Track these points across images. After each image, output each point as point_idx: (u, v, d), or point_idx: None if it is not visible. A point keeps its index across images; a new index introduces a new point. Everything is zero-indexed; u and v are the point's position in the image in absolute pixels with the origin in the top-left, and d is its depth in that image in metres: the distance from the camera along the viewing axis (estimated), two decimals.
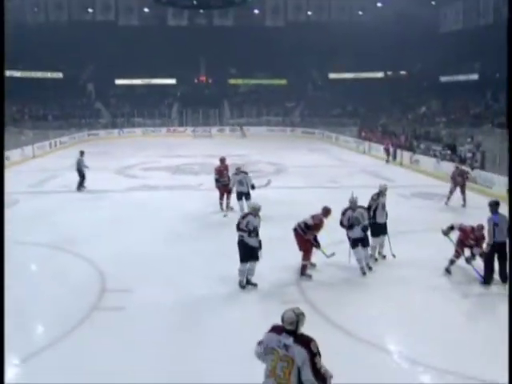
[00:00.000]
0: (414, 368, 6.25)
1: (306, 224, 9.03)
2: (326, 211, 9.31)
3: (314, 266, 9.35)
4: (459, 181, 15.19)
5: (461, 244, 9.21)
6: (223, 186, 14.03)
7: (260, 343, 4.35)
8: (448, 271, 9.26)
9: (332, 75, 51.89)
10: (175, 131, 45.03)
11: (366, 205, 9.90)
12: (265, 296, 8.23)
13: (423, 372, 6.15)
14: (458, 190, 15.18)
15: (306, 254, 9.06)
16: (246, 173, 13.76)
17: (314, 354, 4.03)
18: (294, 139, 41.08)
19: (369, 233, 9.58)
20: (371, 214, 9.86)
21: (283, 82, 51.84)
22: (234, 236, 8.47)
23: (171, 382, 5.77)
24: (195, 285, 8.69)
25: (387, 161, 25.63)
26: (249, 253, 8.35)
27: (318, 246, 9.18)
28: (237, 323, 7.24)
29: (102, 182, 18.98)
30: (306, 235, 8.99)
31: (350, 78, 50.17)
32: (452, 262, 9.26)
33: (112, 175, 21.31)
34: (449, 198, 15.21)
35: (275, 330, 4.25)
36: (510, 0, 22.94)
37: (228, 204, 13.97)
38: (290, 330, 4.14)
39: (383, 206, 10.14)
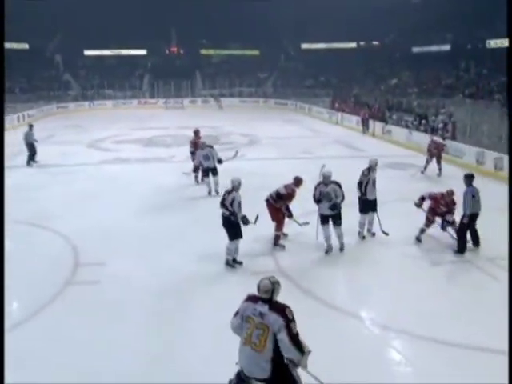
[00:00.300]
0: (386, 334, 6.40)
1: (278, 193, 9.04)
2: (298, 181, 9.26)
3: (286, 236, 9.40)
4: (435, 152, 15.51)
5: (432, 212, 9.35)
6: (192, 154, 14.17)
7: (236, 314, 4.38)
8: (418, 240, 9.43)
9: (304, 45, 51.61)
10: (146, 103, 44.37)
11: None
12: (238, 267, 8.26)
13: (395, 337, 6.30)
14: (434, 160, 15.46)
15: (279, 225, 9.10)
16: (211, 147, 13.09)
17: (289, 320, 4.08)
18: (266, 110, 40.90)
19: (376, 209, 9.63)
20: (362, 189, 9.64)
21: (256, 52, 51.39)
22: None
23: (147, 353, 5.79)
24: (168, 257, 8.69)
25: (364, 131, 25.68)
26: (236, 231, 8.20)
27: (290, 215, 9.21)
28: (211, 293, 7.27)
29: (74, 156, 18.73)
30: (277, 204, 9.00)
31: (323, 49, 49.99)
32: (422, 230, 9.42)
33: (84, 148, 20.97)
34: (425, 168, 15.51)
35: (251, 299, 4.30)
36: (510, 0, 23.07)
37: (203, 177, 13.83)
38: (266, 298, 4.19)
39: (373, 182, 9.75)
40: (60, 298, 7.20)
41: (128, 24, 45.59)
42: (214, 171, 12.85)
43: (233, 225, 8.19)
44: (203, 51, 51.99)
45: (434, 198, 9.34)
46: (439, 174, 15.32)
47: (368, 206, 9.68)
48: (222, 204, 8.26)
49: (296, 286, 7.57)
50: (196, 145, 13.96)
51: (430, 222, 9.37)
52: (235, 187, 8.26)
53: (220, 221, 8.31)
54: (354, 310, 6.93)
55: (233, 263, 8.30)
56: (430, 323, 6.48)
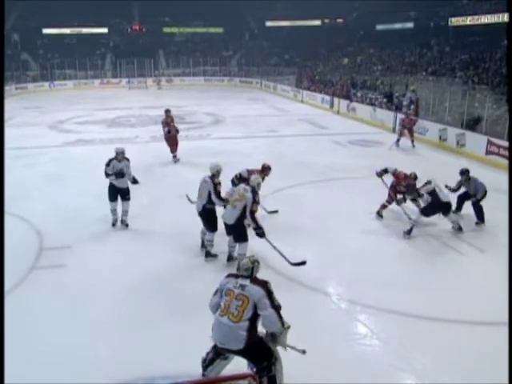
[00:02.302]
0: (352, 307, 6.54)
1: (240, 175, 9.00)
2: (264, 169, 8.99)
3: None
4: (408, 127, 16.49)
5: (393, 189, 9.49)
6: (172, 137, 14.16)
7: (215, 293, 4.50)
8: (379, 215, 9.58)
9: (269, 23, 51.27)
10: (109, 83, 43.49)
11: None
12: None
13: (360, 311, 6.45)
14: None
15: None
16: (128, 160, 9.51)
17: (270, 292, 4.29)
18: (231, 89, 40.66)
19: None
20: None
21: (219, 30, 50.81)
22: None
23: (115, 335, 5.77)
24: (133, 239, 8.64)
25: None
26: (215, 222, 7.74)
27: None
28: (182, 273, 7.27)
29: (35, 138, 18.30)
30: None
31: (287, 26, 49.77)
32: (384, 206, 9.56)
33: (45, 130, 20.48)
34: (398, 140, 16.28)
35: (231, 275, 4.49)
36: (510, 0, 23.28)
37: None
38: (246, 275, 4.38)
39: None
40: (25, 283, 7.08)
41: (88, 1, 44.33)
42: (125, 196, 9.24)
43: (213, 215, 7.74)
44: (166, 29, 51.09)
45: (397, 176, 9.46)
46: (413, 146, 16.28)
47: None
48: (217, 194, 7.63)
49: (263, 262, 7.61)
50: (168, 124, 14.08)
51: (391, 198, 9.51)
52: (214, 175, 7.63)
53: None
54: (321, 285, 7.03)
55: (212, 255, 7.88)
56: (393, 297, 6.64)
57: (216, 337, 4.32)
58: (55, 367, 5.20)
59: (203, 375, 4.45)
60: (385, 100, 22.20)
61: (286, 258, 7.15)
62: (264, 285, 4.33)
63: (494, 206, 9.60)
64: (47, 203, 10.48)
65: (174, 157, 14.30)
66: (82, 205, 10.32)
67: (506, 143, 13.34)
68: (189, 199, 8.29)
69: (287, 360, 4.69)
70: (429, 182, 8.78)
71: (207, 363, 4.43)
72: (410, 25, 38.78)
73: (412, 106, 18.97)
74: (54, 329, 5.91)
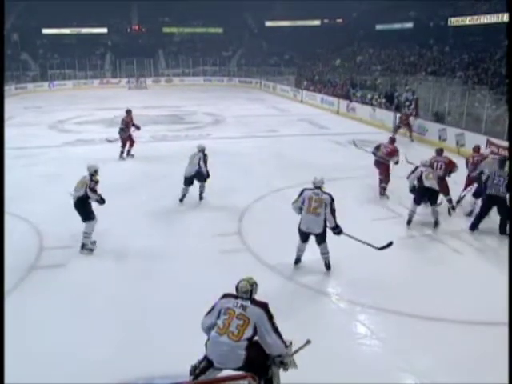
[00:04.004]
0: (352, 308, 6.56)
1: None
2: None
3: None
4: (405, 123, 17.58)
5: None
6: (127, 136, 14.73)
7: (209, 313, 4.47)
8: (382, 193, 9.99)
9: (268, 23, 51.16)
10: (108, 83, 43.46)
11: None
12: (208, 245, 8.27)
13: (360, 311, 6.47)
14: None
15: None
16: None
17: (271, 316, 4.31)
18: (231, 89, 40.63)
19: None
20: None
21: (219, 30, 50.72)
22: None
23: (114, 336, 5.77)
24: (134, 237, 8.65)
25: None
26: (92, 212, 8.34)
27: None
28: (179, 273, 7.27)
29: (35, 138, 18.28)
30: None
31: (287, 26, 49.71)
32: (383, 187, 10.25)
33: (45, 130, 20.46)
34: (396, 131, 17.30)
35: (230, 295, 4.47)
36: (510, 0, 23.29)
37: (129, 151, 14.81)
38: (245, 297, 4.38)
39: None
40: (25, 283, 7.09)
41: (88, 1, 44.29)
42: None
43: (88, 206, 8.28)
44: (166, 29, 50.97)
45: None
46: (412, 140, 17.39)
47: None
48: (92, 189, 8.18)
49: (263, 263, 7.64)
50: (127, 124, 14.69)
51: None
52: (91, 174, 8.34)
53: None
54: (320, 286, 7.05)
55: (91, 245, 8.21)
56: (393, 297, 6.65)
57: (213, 356, 4.29)
58: (55, 367, 5.21)
59: None
60: (384, 100, 22.17)
61: (371, 245, 7.27)
62: (265, 307, 4.35)
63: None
64: (47, 203, 10.47)
65: (122, 152, 14.74)
66: None
67: (505, 143, 13.34)
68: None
69: None
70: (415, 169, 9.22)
71: (199, 372, 4.37)
72: (409, 25, 38.72)
73: (411, 106, 18.96)
74: (53, 329, 5.92)
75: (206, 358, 4.36)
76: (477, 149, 10.57)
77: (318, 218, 7.02)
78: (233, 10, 48.36)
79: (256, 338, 4.32)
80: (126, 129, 14.66)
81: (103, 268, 7.54)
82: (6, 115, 23.22)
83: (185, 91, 38.08)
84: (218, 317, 4.37)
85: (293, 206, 7.29)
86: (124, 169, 13.36)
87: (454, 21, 33.13)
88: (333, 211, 7.03)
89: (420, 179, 8.98)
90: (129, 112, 15.09)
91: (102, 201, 8.33)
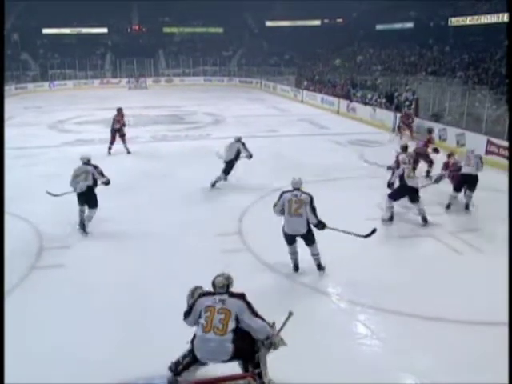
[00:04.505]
0: (352, 307, 6.56)
1: None
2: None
3: None
4: (406, 122, 17.55)
5: None
6: (117, 132, 15.42)
7: (187, 315, 4.62)
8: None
9: (269, 23, 51.19)
10: (109, 83, 43.47)
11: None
12: (208, 244, 8.28)
13: (360, 311, 6.46)
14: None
15: None
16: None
17: (249, 304, 4.49)
18: (231, 89, 40.64)
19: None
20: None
21: (219, 30, 50.74)
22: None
23: (114, 336, 5.77)
24: (133, 238, 8.65)
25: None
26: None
27: None
28: (180, 273, 7.25)
29: (35, 138, 18.31)
30: None
31: (287, 26, 49.72)
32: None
33: (45, 130, 20.49)
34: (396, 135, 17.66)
35: (207, 294, 4.61)
36: (510, 0, 23.28)
37: (126, 147, 15.47)
38: (222, 292, 4.56)
39: None
40: (25, 283, 7.09)
41: (88, 1, 44.28)
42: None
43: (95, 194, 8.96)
44: (166, 29, 50.98)
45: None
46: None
47: None
48: (101, 173, 8.96)
49: (262, 263, 7.65)
50: (119, 121, 15.45)
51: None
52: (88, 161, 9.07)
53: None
54: (320, 285, 7.05)
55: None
56: (393, 297, 6.64)
57: (202, 354, 4.43)
58: (55, 367, 5.20)
59: (175, 381, 4.54)
60: (384, 100, 22.16)
61: (355, 234, 7.36)
62: (242, 297, 4.52)
63: (493, 205, 9.62)
64: (47, 203, 10.43)
65: (109, 148, 15.39)
66: None
67: (505, 143, 13.35)
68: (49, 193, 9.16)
69: (287, 360, 4.71)
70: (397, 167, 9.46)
71: (182, 367, 4.51)
72: (409, 25, 38.71)
73: (412, 106, 18.98)
74: (53, 329, 5.92)
75: (190, 354, 4.50)
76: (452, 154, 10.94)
77: (301, 218, 7.05)
78: (233, 9, 48.36)
79: (241, 327, 4.44)
80: (115, 126, 15.36)
81: (103, 268, 7.53)
82: (6, 115, 23.23)
83: (185, 91, 38.09)
84: (200, 316, 4.49)
85: (274, 210, 7.30)
86: (124, 168, 13.34)
87: (455, 21, 33.13)
88: (313, 209, 7.05)
89: (402, 178, 9.13)
90: (119, 110, 15.63)
91: (108, 182, 9.08)
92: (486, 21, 30.26)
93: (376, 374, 5.13)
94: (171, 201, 10.53)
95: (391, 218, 9.30)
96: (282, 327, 4.55)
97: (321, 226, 7.18)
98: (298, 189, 7.23)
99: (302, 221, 7.07)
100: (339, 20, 49.20)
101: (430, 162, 11.95)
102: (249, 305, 4.48)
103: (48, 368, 5.19)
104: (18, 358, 5.21)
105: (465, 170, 9.70)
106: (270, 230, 8.04)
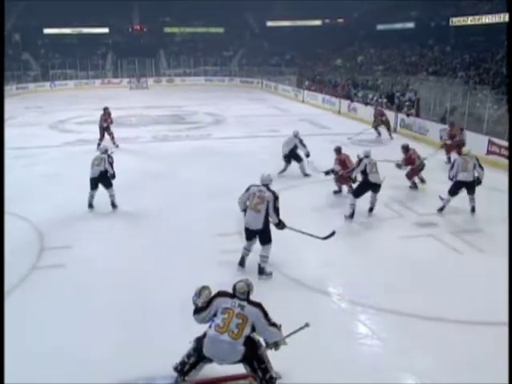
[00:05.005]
0: (353, 308, 6.55)
1: None
2: None
3: None
4: (382, 120, 17.79)
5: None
6: (105, 130, 16.02)
7: (200, 310, 4.65)
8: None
9: (270, 23, 51.22)
10: (110, 83, 43.50)
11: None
12: (208, 244, 8.27)
13: (361, 311, 6.45)
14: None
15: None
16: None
17: (266, 313, 4.57)
18: (232, 89, 40.64)
19: None
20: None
21: (220, 30, 50.77)
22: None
23: (114, 337, 5.77)
24: (133, 238, 8.65)
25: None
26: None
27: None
28: (181, 273, 7.25)
29: (36, 138, 18.31)
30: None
31: (288, 26, 49.72)
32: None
33: (46, 130, 20.50)
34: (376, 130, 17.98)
35: (227, 295, 4.66)
36: (510, 0, 23.26)
37: (114, 142, 15.82)
38: (242, 298, 4.62)
39: None
40: (26, 283, 7.09)
41: (89, 1, 44.30)
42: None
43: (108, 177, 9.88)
44: (167, 29, 51.04)
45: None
46: (391, 138, 17.53)
47: None
48: (111, 164, 9.92)
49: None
50: (106, 120, 16.08)
51: None
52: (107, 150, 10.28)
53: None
54: (322, 285, 7.02)
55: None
56: (394, 297, 6.64)
57: (212, 353, 4.48)
58: (55, 367, 5.20)
59: (183, 380, 4.56)
60: (385, 100, 22.14)
61: (315, 236, 7.44)
62: (260, 306, 4.59)
63: (494, 205, 9.61)
64: (48, 203, 10.48)
65: (99, 144, 15.24)
66: (83, 204, 10.29)
67: (506, 143, 13.33)
68: None
69: (288, 359, 4.70)
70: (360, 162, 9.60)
71: (189, 367, 4.55)
72: (410, 25, 38.71)
73: (413, 107, 18.99)
74: (53, 329, 5.92)
75: (195, 352, 4.53)
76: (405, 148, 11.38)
77: (258, 214, 7.02)
78: (234, 9, 48.40)
79: (253, 334, 4.54)
80: (105, 125, 16.01)
81: (103, 268, 7.53)
82: (7, 115, 23.28)
83: (186, 91, 38.09)
84: (215, 315, 4.55)
85: (238, 201, 7.35)
86: (125, 169, 13.28)
87: (456, 21, 33.11)
88: (276, 209, 7.02)
89: (365, 172, 9.41)
90: (105, 109, 16.24)
91: (113, 175, 9.89)
92: (487, 21, 30.26)
93: (376, 373, 5.12)
94: (172, 201, 10.54)
95: (352, 215, 9.43)
96: (291, 334, 4.64)
97: (280, 225, 7.22)
98: (266, 185, 7.20)
99: (259, 217, 7.04)
100: (340, 20, 49.22)
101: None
102: (265, 314, 4.56)
103: (48, 368, 5.18)
104: (18, 358, 5.21)
105: (461, 176, 9.46)
106: (272, 229, 8.04)
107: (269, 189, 7.17)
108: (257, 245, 7.36)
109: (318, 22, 49.74)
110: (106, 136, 15.99)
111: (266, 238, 7.19)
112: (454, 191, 9.60)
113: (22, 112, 26.21)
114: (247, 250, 7.38)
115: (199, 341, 4.55)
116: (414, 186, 11.32)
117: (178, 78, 45.20)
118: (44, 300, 6.62)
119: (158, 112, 25.29)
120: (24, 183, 12.10)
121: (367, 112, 21.88)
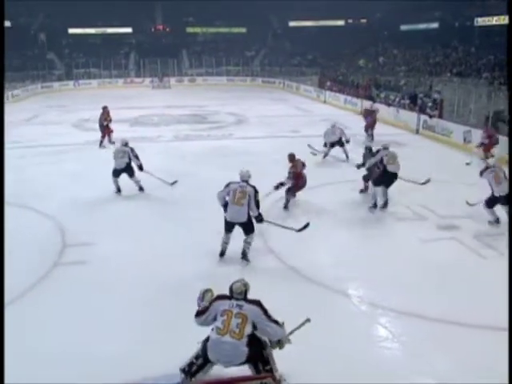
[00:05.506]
0: (373, 310, 6.47)
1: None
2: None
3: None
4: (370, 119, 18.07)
5: None
6: (106, 128, 16.74)
7: (202, 314, 4.66)
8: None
9: (292, 23, 51.19)
10: (132, 82, 43.90)
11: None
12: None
13: (381, 314, 6.37)
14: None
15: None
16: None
17: (265, 310, 4.57)
18: (254, 89, 40.66)
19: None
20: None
21: (242, 30, 50.89)
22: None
23: (137, 334, 5.80)
24: (157, 237, 8.68)
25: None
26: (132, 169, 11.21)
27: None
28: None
29: (60, 136, 18.54)
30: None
31: (311, 26, 49.62)
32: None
33: (69, 129, 20.75)
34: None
35: (225, 297, 4.68)
36: (510, 0, 22.95)
37: (110, 139, 16.60)
38: (240, 298, 4.63)
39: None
40: (48, 279, 7.16)
41: (113, 1, 44.77)
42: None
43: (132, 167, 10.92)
44: (189, 29, 51.36)
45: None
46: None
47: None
48: (136, 156, 10.90)
49: (283, 263, 7.62)
50: (105, 119, 16.72)
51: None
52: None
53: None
54: (341, 287, 6.97)
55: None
56: (415, 300, 6.55)
57: (217, 357, 4.48)
58: (65, 366, 5.19)
59: (190, 381, 4.53)
60: (407, 101, 21.94)
61: (289, 228, 7.95)
62: (259, 304, 4.60)
63: None
64: (71, 200, 10.58)
65: (101, 142, 16.53)
66: (105, 202, 10.40)
67: None
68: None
69: (305, 361, 4.68)
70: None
71: (197, 368, 4.55)
72: (434, 25, 38.35)
73: (436, 107, 18.79)
74: (66, 327, 5.92)
75: (203, 354, 4.54)
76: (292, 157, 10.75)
77: (242, 208, 7.45)
78: (256, 9, 48.40)
79: (256, 332, 4.53)
80: (105, 123, 16.68)
81: (124, 267, 7.56)
82: (31, 114, 23.64)
83: (208, 91, 38.23)
84: (215, 319, 4.56)
85: (217, 196, 7.69)
86: (147, 167, 13.41)
87: (481, 21, 32.71)
88: (256, 202, 7.52)
89: (382, 163, 9.78)
90: (105, 108, 16.90)
91: (141, 166, 10.92)
92: None
93: (395, 376, 5.06)
94: (192, 201, 10.54)
95: (375, 205, 9.89)
96: (293, 331, 4.66)
97: (259, 218, 7.70)
98: (246, 181, 7.62)
99: (242, 210, 7.48)
100: (363, 20, 48.99)
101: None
102: (265, 311, 4.56)
103: (57, 367, 5.17)
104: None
105: (497, 191, 9.00)
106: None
107: (248, 184, 7.61)
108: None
109: (340, 23, 49.56)
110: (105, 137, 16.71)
111: (250, 229, 7.68)
112: (490, 205, 9.25)
113: (46, 110, 26.55)
114: (226, 243, 7.82)
115: (205, 343, 4.57)
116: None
117: (199, 77, 45.44)
118: (66, 296, 6.67)
119: (180, 111, 25.42)
120: (48, 180, 12.23)
121: (389, 113, 21.74)
